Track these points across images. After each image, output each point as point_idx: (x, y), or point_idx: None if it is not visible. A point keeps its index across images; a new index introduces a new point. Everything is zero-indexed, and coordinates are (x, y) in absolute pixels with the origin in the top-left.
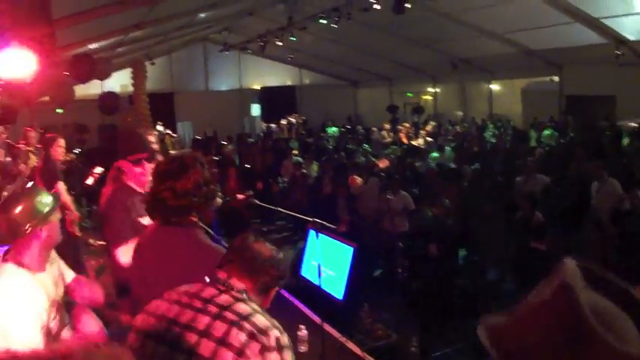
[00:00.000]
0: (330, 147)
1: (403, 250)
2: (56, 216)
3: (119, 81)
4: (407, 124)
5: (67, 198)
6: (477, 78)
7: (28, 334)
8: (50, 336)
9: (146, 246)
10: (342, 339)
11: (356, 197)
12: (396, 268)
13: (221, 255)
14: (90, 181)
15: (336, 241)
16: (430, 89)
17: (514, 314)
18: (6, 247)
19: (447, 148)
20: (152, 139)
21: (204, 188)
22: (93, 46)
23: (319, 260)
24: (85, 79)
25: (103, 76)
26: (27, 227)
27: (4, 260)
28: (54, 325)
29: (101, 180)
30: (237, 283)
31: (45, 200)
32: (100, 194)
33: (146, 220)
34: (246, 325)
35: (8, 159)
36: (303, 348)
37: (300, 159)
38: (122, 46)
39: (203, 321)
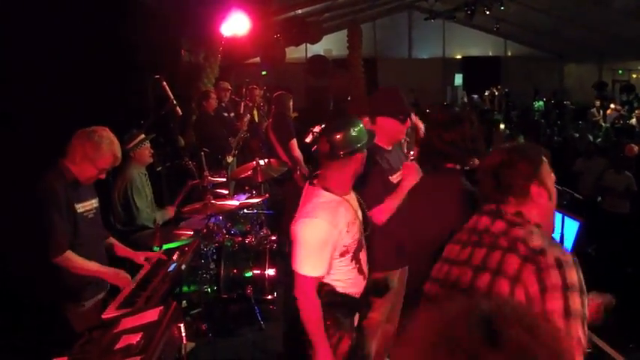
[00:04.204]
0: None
1: (621, 233)
2: (364, 149)
3: (322, 45)
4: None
5: (298, 154)
6: None
7: (327, 248)
8: (348, 253)
9: (415, 189)
10: None
11: None
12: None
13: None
14: (309, 138)
15: (561, 214)
16: None
17: None
18: (242, 195)
19: None
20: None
21: (467, 143)
22: (300, 11)
23: None
24: (296, 42)
25: (314, 39)
26: (342, 152)
27: (312, 184)
28: (350, 242)
29: (318, 139)
30: (509, 207)
31: (359, 132)
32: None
33: (395, 178)
34: (520, 248)
35: (232, 114)
36: None
37: (507, 131)
38: (329, 11)
39: (479, 255)
